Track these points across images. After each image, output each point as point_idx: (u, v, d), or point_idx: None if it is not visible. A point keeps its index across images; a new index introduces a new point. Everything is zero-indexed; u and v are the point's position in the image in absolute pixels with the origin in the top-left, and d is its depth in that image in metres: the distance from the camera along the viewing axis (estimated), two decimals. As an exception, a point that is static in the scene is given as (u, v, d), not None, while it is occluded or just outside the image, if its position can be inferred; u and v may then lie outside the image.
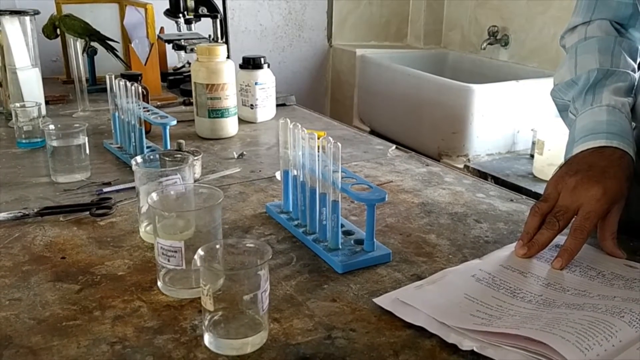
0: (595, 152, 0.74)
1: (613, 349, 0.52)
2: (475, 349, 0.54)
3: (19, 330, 0.59)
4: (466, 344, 0.55)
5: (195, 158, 0.99)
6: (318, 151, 0.72)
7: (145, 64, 1.59)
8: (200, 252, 0.56)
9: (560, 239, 0.71)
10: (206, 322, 0.57)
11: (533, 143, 2.02)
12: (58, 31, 1.73)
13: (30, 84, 1.34)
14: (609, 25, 0.87)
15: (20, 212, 0.84)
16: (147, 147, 1.09)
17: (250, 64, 1.39)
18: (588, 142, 0.76)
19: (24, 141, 1.18)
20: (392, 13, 2.82)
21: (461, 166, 2.00)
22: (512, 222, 0.86)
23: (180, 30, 1.73)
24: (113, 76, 1.11)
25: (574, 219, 0.71)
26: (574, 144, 0.78)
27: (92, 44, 1.73)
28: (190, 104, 1.41)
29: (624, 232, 0.76)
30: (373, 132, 2.28)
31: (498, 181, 1.86)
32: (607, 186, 0.70)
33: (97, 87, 1.66)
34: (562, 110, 0.90)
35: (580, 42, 0.87)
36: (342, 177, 0.72)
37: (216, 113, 1.25)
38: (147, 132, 1.22)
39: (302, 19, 2.63)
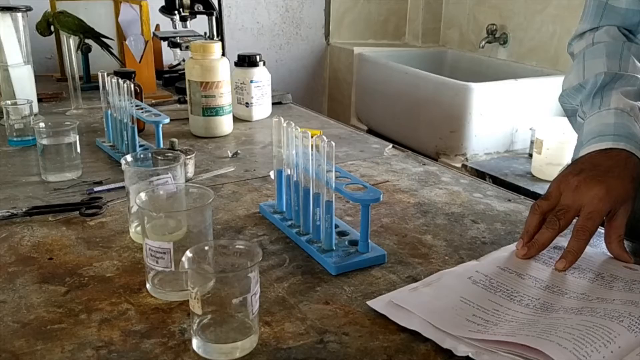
0: (601, 153, 0.73)
1: (612, 356, 0.50)
2: (470, 355, 0.53)
3: (2, 334, 0.57)
4: (461, 350, 0.54)
5: (188, 157, 0.98)
6: (312, 150, 0.71)
7: (139, 62, 1.58)
8: (188, 253, 0.55)
9: (558, 240, 0.70)
10: (195, 326, 0.55)
11: (531, 142, 2.01)
12: (52, 28, 1.71)
13: (23, 81, 1.32)
14: (617, 31, 0.86)
15: (8, 212, 0.83)
16: (140, 146, 1.08)
17: (246, 61, 1.37)
18: (595, 144, 0.74)
19: (15, 139, 1.17)
20: (390, 11, 2.81)
21: (459, 165, 1.98)
22: (509, 222, 0.85)
23: (175, 28, 1.71)
24: (105, 73, 1.09)
25: (575, 220, 0.69)
26: (582, 146, 0.77)
27: (87, 41, 1.71)
28: (186, 102, 1.39)
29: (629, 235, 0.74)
30: (370, 131, 2.26)
31: (496, 181, 1.85)
32: (610, 186, 0.68)
33: (91, 84, 1.64)
34: (571, 115, 0.89)
35: (588, 47, 0.86)
36: (336, 177, 0.71)
37: (210, 111, 1.23)
38: (140, 131, 1.21)
39: (300, 17, 2.61)
